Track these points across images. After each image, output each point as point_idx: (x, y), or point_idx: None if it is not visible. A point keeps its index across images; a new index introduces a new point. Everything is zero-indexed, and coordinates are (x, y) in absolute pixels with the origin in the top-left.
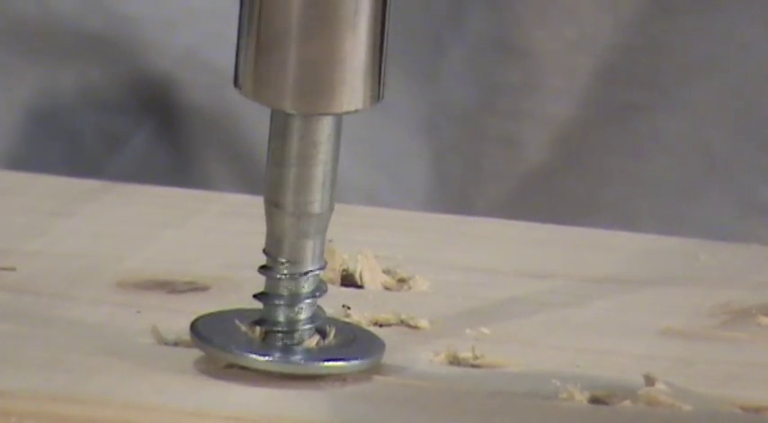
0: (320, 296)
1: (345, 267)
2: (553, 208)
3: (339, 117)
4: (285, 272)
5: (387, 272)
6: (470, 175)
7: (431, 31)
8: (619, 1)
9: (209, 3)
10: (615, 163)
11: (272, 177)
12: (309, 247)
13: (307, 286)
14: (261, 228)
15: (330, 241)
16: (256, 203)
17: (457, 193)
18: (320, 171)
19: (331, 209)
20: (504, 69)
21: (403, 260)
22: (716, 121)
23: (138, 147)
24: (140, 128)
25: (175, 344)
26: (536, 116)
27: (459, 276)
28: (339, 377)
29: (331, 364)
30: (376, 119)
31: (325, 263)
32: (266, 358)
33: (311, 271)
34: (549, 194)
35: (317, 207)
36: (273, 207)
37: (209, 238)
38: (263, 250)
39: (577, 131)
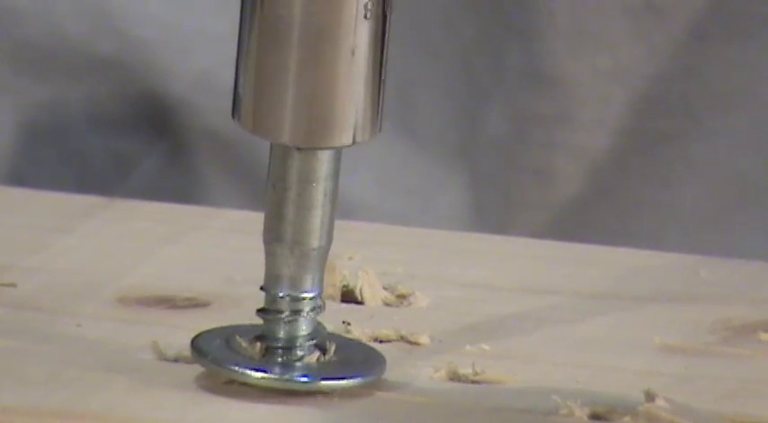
0: (320, 312)
1: (346, 283)
2: (586, 238)
3: (338, 150)
4: (286, 300)
5: (387, 288)
6: (503, 205)
7: (463, 61)
8: (652, 30)
9: (222, 27)
10: (648, 192)
11: (271, 211)
12: (308, 280)
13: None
14: (261, 244)
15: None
16: (257, 220)
17: (489, 223)
18: (319, 205)
19: (329, 242)
20: (536, 100)
21: (403, 276)
22: (749, 150)
23: (149, 171)
24: (151, 151)
25: (176, 360)
26: (569, 147)
27: (459, 292)
28: (339, 393)
29: (331, 381)
30: (406, 147)
31: (323, 304)
32: (266, 374)
33: (309, 306)
34: (582, 225)
35: (315, 241)
36: (273, 241)
37: (210, 254)
38: (261, 287)
39: (610, 161)
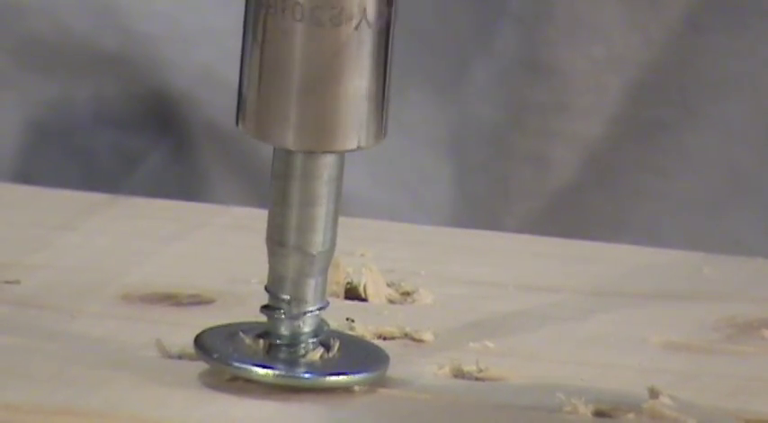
0: (324, 309)
1: (350, 280)
2: (581, 226)
3: (341, 155)
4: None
5: (391, 285)
6: (498, 194)
7: (457, 50)
8: (647, 19)
9: (226, 21)
10: (643, 181)
11: (274, 216)
12: (311, 285)
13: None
14: (265, 241)
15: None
16: (261, 217)
17: (484, 212)
18: (323, 209)
19: (333, 247)
20: (532, 88)
21: (407, 273)
22: (743, 139)
23: (154, 166)
24: (156, 146)
25: (180, 357)
26: (564, 135)
27: (463, 290)
28: (343, 390)
29: (335, 377)
30: (398, 139)
31: (327, 303)
32: (270, 371)
33: (312, 311)
34: (577, 213)
35: (319, 245)
36: (276, 246)
37: (214, 251)
38: (265, 288)
39: (606, 150)
